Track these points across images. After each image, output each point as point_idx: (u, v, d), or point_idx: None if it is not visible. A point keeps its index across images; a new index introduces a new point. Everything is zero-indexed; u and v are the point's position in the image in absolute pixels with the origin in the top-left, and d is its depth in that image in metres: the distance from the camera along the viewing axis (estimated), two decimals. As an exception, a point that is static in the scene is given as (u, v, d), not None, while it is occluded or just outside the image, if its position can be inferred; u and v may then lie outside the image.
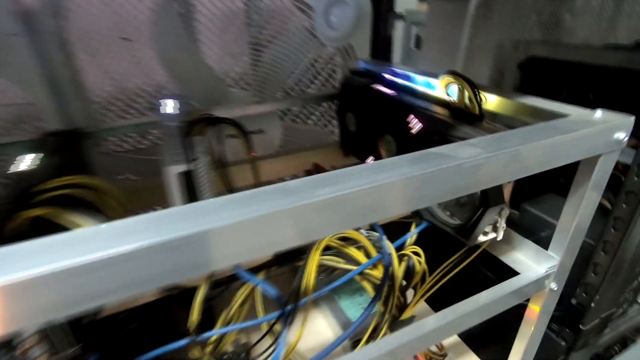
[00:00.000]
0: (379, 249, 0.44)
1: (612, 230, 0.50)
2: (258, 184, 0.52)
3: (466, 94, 0.40)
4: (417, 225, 0.49)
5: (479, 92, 0.38)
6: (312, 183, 0.20)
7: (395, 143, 0.47)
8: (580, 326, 0.55)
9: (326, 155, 0.67)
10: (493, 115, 0.40)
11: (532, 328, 0.42)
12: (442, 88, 0.45)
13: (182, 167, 0.30)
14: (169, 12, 0.59)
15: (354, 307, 0.60)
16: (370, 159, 0.55)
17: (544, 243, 0.69)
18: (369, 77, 0.56)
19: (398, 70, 0.56)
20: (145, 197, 0.51)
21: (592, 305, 0.53)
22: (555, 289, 0.39)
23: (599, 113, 0.31)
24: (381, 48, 0.80)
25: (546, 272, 0.38)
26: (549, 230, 0.68)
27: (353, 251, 0.44)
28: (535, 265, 0.40)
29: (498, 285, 0.37)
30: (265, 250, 0.19)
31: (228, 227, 0.17)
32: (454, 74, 0.41)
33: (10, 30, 0.42)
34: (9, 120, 0.56)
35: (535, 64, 0.79)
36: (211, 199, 0.18)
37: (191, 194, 0.31)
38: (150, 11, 0.59)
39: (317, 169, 0.60)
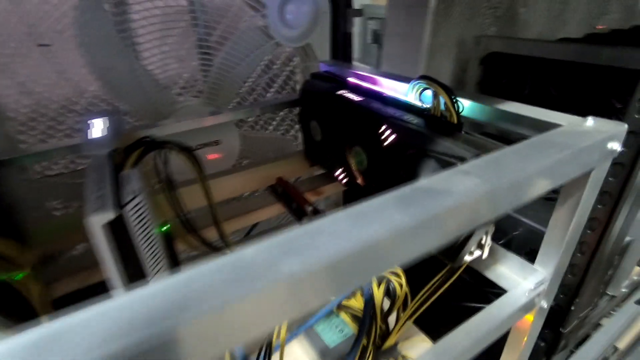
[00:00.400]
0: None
1: (589, 231, 0.49)
2: (215, 204, 0.46)
3: (442, 100, 0.36)
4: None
5: (456, 99, 0.34)
6: (273, 254, 0.15)
7: (366, 155, 0.43)
8: (561, 329, 0.54)
9: (290, 166, 0.61)
10: (473, 124, 0.36)
11: (522, 342, 0.39)
12: (414, 94, 0.42)
13: (108, 216, 0.23)
14: (97, 10, 0.51)
15: (330, 331, 0.56)
16: (339, 172, 0.51)
17: (516, 241, 0.68)
18: (331, 81, 0.51)
19: (363, 73, 0.51)
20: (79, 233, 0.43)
21: (572, 307, 0.52)
22: (545, 306, 0.36)
23: (590, 121, 0.28)
24: (341, 47, 0.75)
25: (534, 287, 0.36)
26: (521, 229, 0.67)
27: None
28: (521, 280, 0.38)
29: (486, 310, 0.34)
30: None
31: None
32: (427, 78, 0.38)
33: None
34: None
35: (497, 59, 0.78)
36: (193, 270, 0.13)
37: (125, 250, 0.24)
38: (75, 11, 0.50)
39: (281, 184, 0.54)
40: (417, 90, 0.39)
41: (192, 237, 0.42)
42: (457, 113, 0.34)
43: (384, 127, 0.38)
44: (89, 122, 0.37)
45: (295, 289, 0.15)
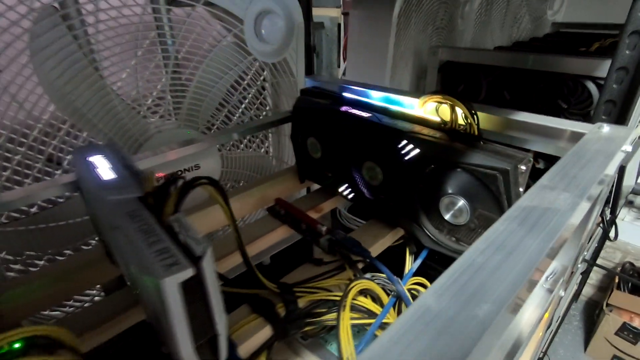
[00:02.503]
0: (391, 292, 0.40)
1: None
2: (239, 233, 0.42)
3: (458, 113, 0.38)
4: (412, 252, 0.46)
5: (475, 111, 0.36)
6: (460, 301, 0.14)
7: (382, 170, 0.43)
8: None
9: (281, 185, 0.59)
10: (487, 134, 0.39)
11: (540, 334, 0.42)
12: (422, 108, 0.43)
13: (187, 273, 0.20)
14: (54, 31, 0.44)
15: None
16: (343, 187, 0.50)
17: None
18: (325, 97, 0.51)
19: (358, 88, 0.52)
20: (76, 281, 0.37)
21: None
22: (563, 295, 0.40)
23: (606, 128, 0.31)
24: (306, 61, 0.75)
25: (551, 276, 0.39)
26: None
27: (362, 300, 0.39)
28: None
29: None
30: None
31: None
32: (439, 93, 0.39)
33: None
34: None
35: (452, 68, 0.84)
36: None
37: (198, 306, 0.21)
38: (28, 33, 0.43)
39: (282, 205, 0.52)
40: (428, 105, 0.41)
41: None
42: (477, 124, 0.36)
43: (404, 142, 0.39)
44: (87, 159, 0.32)
45: (490, 333, 0.14)
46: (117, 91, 0.52)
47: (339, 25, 1.99)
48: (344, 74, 1.83)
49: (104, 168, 0.31)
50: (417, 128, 0.39)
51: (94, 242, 0.52)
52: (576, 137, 0.34)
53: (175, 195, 0.26)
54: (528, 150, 0.36)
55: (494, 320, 0.13)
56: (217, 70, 0.59)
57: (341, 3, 2.00)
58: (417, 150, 0.38)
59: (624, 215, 1.89)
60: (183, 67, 0.60)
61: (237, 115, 0.70)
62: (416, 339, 0.12)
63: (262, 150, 0.79)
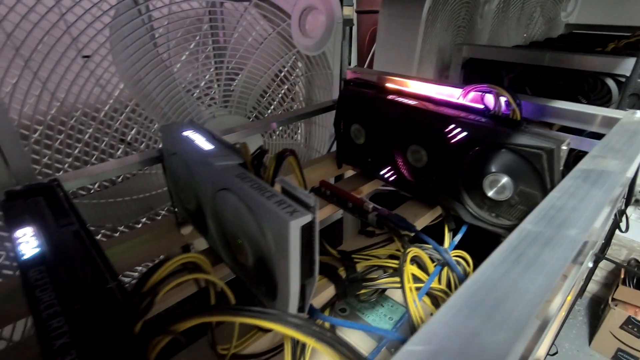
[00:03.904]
0: (437, 260, 0.44)
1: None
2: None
3: (502, 100, 0.42)
4: (450, 229, 0.51)
5: (519, 100, 0.41)
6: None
7: (427, 152, 0.47)
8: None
9: (321, 170, 0.64)
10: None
11: (564, 312, 0.47)
12: (465, 97, 0.47)
13: (307, 218, 0.24)
14: (133, 20, 0.49)
15: (381, 320, 0.59)
16: (385, 170, 0.55)
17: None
18: (369, 87, 0.55)
19: (400, 79, 0.56)
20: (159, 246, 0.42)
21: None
22: (591, 266, 0.44)
23: (639, 114, 0.36)
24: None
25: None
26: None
27: (411, 268, 0.43)
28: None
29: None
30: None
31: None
32: (485, 83, 0.44)
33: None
34: None
35: (474, 64, 0.88)
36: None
37: (308, 250, 0.25)
38: (112, 20, 0.48)
39: (326, 186, 0.56)
40: (470, 94, 0.45)
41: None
42: (520, 110, 0.41)
43: (452, 126, 0.43)
44: (183, 134, 0.37)
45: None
46: (178, 78, 0.56)
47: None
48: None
49: (200, 141, 0.35)
50: (463, 114, 0.44)
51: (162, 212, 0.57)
52: (609, 122, 0.38)
53: (274, 162, 0.31)
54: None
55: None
56: (265, 62, 0.63)
57: (354, 1, 2.05)
58: (464, 134, 0.42)
59: (631, 213, 1.93)
60: (231, 57, 0.65)
61: (273, 106, 0.74)
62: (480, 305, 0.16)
63: (295, 138, 0.83)
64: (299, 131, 0.85)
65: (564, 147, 0.36)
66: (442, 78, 0.99)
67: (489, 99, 0.43)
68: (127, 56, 0.48)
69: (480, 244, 0.47)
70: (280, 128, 0.76)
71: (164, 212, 0.58)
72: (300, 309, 0.30)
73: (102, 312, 0.21)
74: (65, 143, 0.48)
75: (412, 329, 0.37)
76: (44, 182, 0.35)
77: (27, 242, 0.26)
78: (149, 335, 0.19)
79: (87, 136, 0.50)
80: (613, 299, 1.48)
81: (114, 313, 0.21)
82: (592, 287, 1.84)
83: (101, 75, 0.47)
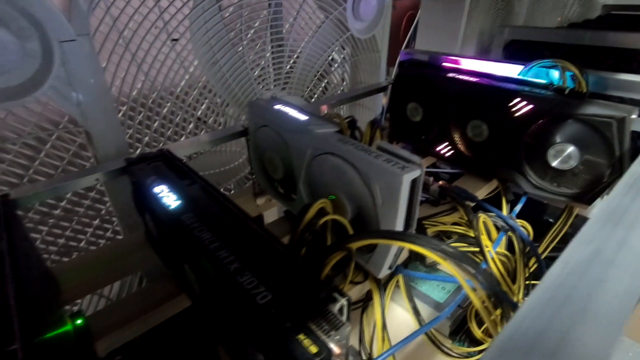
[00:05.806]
0: (502, 227, 0.47)
1: None
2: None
3: (567, 75, 0.44)
4: (508, 200, 0.53)
5: (586, 73, 0.43)
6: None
7: (488, 127, 0.50)
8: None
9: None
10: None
11: None
12: (526, 73, 0.49)
13: (416, 173, 0.28)
14: (211, 7, 0.52)
15: (434, 290, 0.62)
16: (443, 146, 0.57)
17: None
18: (426, 66, 0.58)
19: (456, 58, 0.58)
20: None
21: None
22: None
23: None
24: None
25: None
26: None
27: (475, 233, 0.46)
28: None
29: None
30: None
31: None
32: (551, 59, 0.46)
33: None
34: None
35: (517, 45, 0.89)
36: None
37: (411, 203, 0.29)
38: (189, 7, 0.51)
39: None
40: (532, 70, 0.47)
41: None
42: (587, 83, 0.43)
43: (517, 100, 0.45)
44: (276, 106, 0.40)
45: None
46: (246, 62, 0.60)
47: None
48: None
49: (294, 113, 0.39)
50: (527, 88, 0.46)
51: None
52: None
53: (369, 128, 0.34)
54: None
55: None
56: (320, 46, 0.66)
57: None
58: (530, 107, 0.45)
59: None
60: (286, 40, 0.68)
61: (320, 88, 0.77)
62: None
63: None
64: (341, 113, 0.88)
65: (633, 116, 0.38)
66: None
67: (553, 74, 0.45)
68: (206, 40, 0.52)
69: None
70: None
71: (231, 188, 0.63)
72: (392, 263, 0.33)
73: (253, 247, 0.25)
74: (146, 116, 0.52)
75: (494, 282, 0.39)
76: (152, 152, 0.39)
77: (167, 196, 0.30)
78: (328, 252, 0.22)
79: (165, 110, 0.54)
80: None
81: (266, 248, 0.25)
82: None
83: (185, 56, 0.51)
